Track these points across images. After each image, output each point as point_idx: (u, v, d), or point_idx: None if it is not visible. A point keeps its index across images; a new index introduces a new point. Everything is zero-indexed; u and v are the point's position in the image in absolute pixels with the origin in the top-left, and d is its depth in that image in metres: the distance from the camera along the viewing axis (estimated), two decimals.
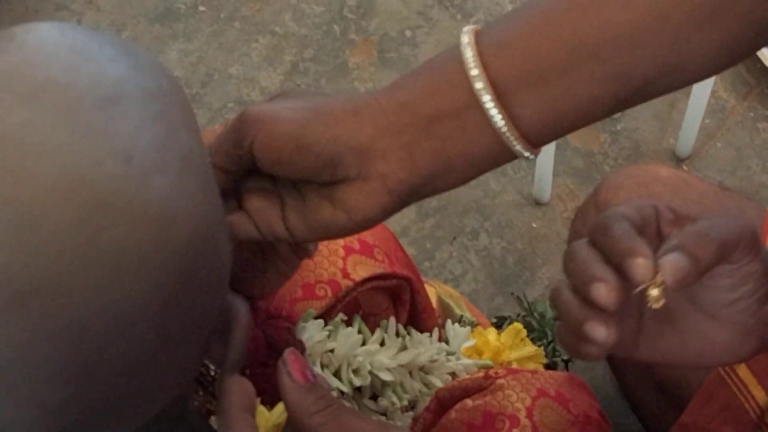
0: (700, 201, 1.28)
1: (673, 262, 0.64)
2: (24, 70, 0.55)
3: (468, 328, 1.23)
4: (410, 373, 1.12)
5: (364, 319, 1.15)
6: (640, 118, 1.94)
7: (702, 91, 1.74)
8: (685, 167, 1.85)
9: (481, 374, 1.12)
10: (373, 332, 1.13)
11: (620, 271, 0.64)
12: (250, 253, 0.95)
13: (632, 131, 1.93)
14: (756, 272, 0.70)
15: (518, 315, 1.55)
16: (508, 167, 1.87)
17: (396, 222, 1.78)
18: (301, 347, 1.00)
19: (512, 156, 0.72)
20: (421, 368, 1.12)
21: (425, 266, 1.79)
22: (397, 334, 1.15)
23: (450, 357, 1.17)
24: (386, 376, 1.07)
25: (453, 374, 1.15)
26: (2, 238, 0.51)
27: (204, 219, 0.58)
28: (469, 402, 1.03)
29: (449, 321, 1.28)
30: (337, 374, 1.07)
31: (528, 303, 1.63)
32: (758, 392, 1.15)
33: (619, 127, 1.93)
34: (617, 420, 1.25)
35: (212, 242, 0.60)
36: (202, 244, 0.58)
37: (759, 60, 1.94)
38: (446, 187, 0.74)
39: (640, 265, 0.63)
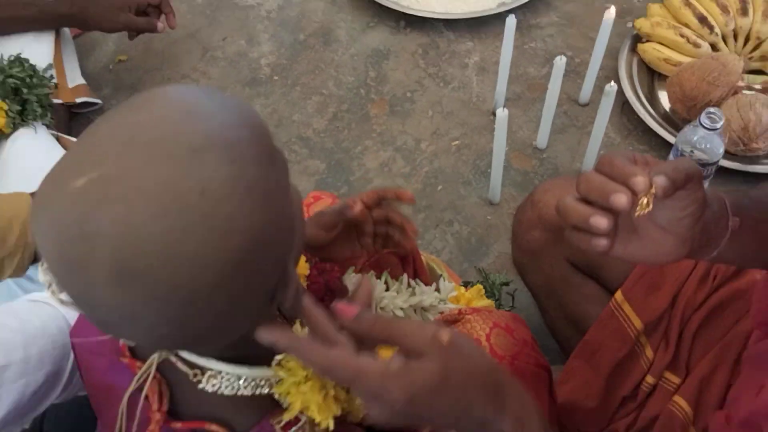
0: None
1: (660, 180, 0.64)
2: (145, 126, 0.56)
3: (453, 284, 1.23)
4: (415, 311, 1.12)
5: (383, 271, 1.17)
6: (558, 149, 1.91)
7: (598, 132, 1.72)
8: None
9: (456, 312, 1.11)
10: (388, 282, 1.14)
11: (626, 186, 0.64)
12: (343, 240, 1.00)
13: (553, 158, 1.89)
14: (699, 198, 0.69)
15: (478, 280, 1.55)
16: (471, 180, 1.86)
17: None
18: (346, 290, 0.99)
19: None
20: (423, 308, 1.12)
21: (418, 244, 1.71)
22: (408, 285, 1.16)
23: (441, 302, 1.17)
24: (400, 313, 1.08)
25: (441, 313, 1.15)
26: (124, 233, 0.53)
27: (259, 230, 0.57)
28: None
29: (442, 278, 1.28)
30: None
31: (484, 272, 1.66)
32: (636, 321, 1.17)
33: (545, 156, 1.90)
34: (543, 342, 1.25)
35: (266, 244, 0.59)
36: (256, 246, 0.57)
37: (635, 112, 1.91)
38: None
39: (640, 182, 0.63)
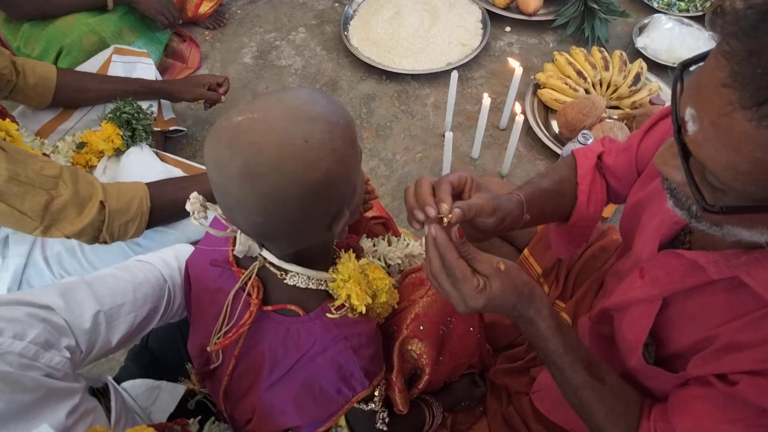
0: (508, 186, 1.24)
1: (456, 212, 0.66)
2: (286, 100, 0.60)
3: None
4: (405, 257, 1.10)
5: (375, 236, 1.13)
6: (486, 159, 1.91)
7: (512, 147, 1.73)
8: (505, 179, 1.83)
9: (418, 265, 1.09)
10: (390, 241, 1.12)
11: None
12: None
13: (483, 164, 1.90)
14: (492, 223, 0.73)
15: None
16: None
17: (381, 203, 1.75)
18: (361, 249, 1.00)
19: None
20: (412, 256, 1.11)
21: (394, 221, 1.73)
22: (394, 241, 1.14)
23: (420, 254, 1.13)
24: (398, 261, 1.07)
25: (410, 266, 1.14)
26: (247, 157, 0.57)
27: (332, 176, 0.60)
28: (413, 275, 1.02)
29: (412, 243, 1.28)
30: (379, 259, 1.07)
31: None
32: (537, 268, 1.16)
33: (477, 163, 1.90)
34: None
35: (333, 187, 0.61)
36: (327, 185, 0.60)
37: (536, 134, 1.90)
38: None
39: (442, 206, 0.66)
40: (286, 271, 0.73)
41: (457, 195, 0.74)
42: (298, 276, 0.73)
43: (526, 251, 1.19)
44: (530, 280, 0.70)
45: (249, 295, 0.73)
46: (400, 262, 1.08)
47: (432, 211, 0.65)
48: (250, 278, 0.73)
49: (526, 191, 0.85)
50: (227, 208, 0.63)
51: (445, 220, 0.65)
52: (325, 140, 0.59)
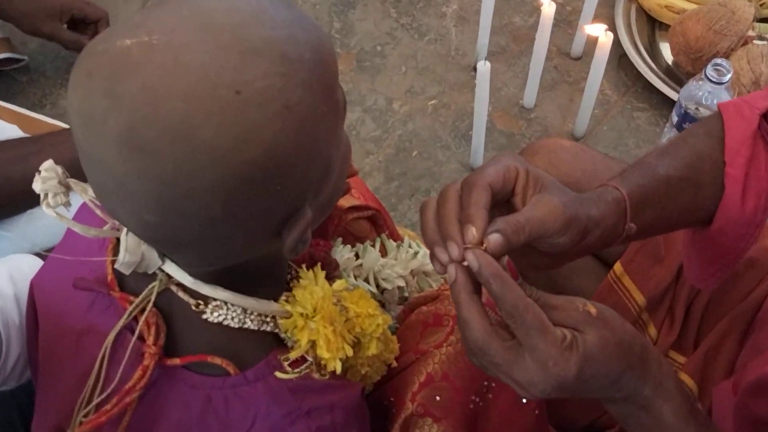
0: (592, 162, 1.29)
1: (493, 240, 0.68)
2: (211, 11, 0.61)
3: None
4: (413, 277, 1.14)
5: (357, 241, 1.16)
6: (547, 109, 1.95)
7: (592, 88, 1.75)
8: (582, 142, 1.86)
9: (434, 290, 1.12)
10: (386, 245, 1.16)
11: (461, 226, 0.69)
12: None
13: (542, 118, 1.94)
14: (565, 242, 0.74)
15: None
16: (450, 144, 1.90)
17: (369, 184, 1.78)
18: (335, 263, 1.00)
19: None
20: (425, 273, 1.14)
21: (392, 215, 1.72)
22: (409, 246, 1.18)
23: None
24: (400, 282, 1.09)
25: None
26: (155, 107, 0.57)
27: (283, 154, 0.61)
28: (424, 308, 1.03)
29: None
30: (366, 280, 1.09)
31: None
32: (638, 296, 1.18)
33: (532, 116, 1.94)
34: None
35: (286, 172, 0.63)
36: (275, 168, 0.61)
37: (633, 66, 1.95)
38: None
39: (470, 232, 0.68)
40: (206, 300, 0.74)
41: (503, 202, 0.75)
42: (226, 308, 0.74)
43: (618, 267, 1.20)
44: (637, 332, 0.73)
45: (141, 339, 0.74)
46: (402, 284, 1.09)
47: (455, 251, 0.69)
48: (143, 311, 0.73)
49: (631, 182, 0.85)
50: (103, 193, 0.64)
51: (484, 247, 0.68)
52: (272, 91, 0.60)
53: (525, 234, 0.70)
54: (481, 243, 0.68)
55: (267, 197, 0.63)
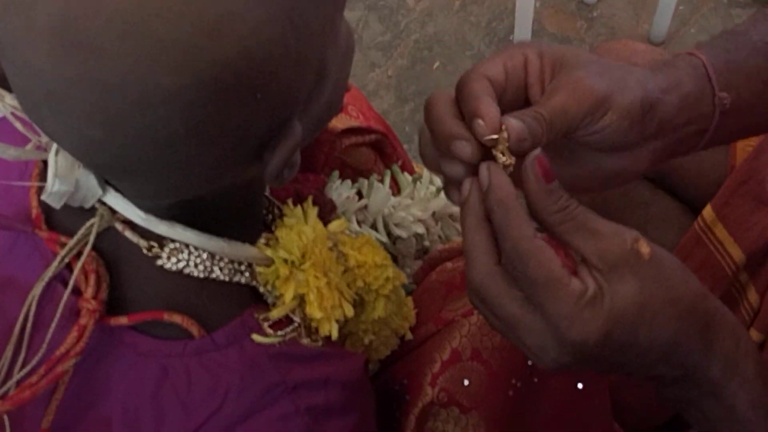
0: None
1: (515, 125, 0.69)
2: None
3: None
4: (436, 222, 1.15)
5: (359, 175, 1.18)
6: (616, 4, 1.96)
7: None
8: (663, 48, 1.81)
9: (461, 241, 1.09)
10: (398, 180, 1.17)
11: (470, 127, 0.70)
12: None
13: (608, 17, 1.95)
14: (614, 127, 0.75)
15: None
16: (484, 52, 1.90)
17: (376, 107, 1.74)
18: (332, 205, 1.02)
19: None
20: (451, 217, 1.16)
21: (404, 149, 1.73)
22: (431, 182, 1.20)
23: None
24: (419, 229, 1.10)
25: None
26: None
27: (264, 47, 0.62)
28: (449, 264, 1.05)
29: None
30: (374, 227, 1.10)
31: None
32: (735, 250, 1.18)
33: (595, 14, 1.95)
34: None
35: (270, 71, 0.63)
36: (255, 66, 0.62)
37: None
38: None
39: (480, 126, 0.68)
40: (162, 242, 0.76)
41: (514, 103, 0.76)
42: (188, 252, 0.76)
43: (708, 212, 1.22)
44: (707, 293, 0.73)
45: (77, 293, 0.75)
46: (420, 231, 1.11)
47: (481, 127, 0.69)
48: (79, 256, 0.74)
49: (714, 47, 0.84)
50: (29, 102, 0.65)
51: (499, 156, 0.69)
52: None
53: (545, 124, 0.71)
54: (490, 132, 0.69)
55: (243, 109, 0.64)
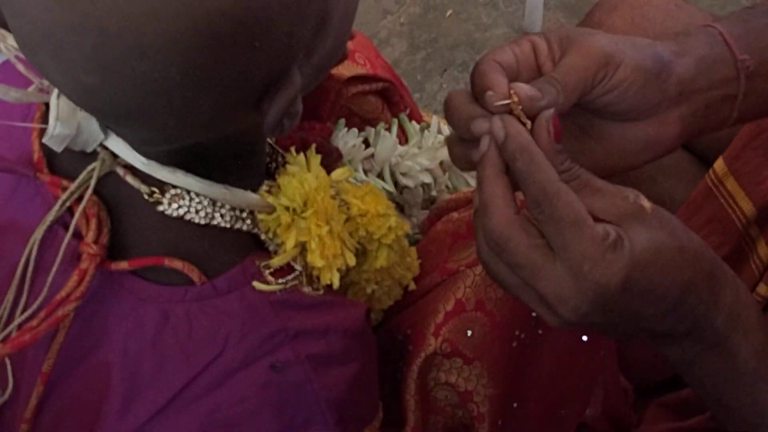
0: (689, 23, 1.27)
1: (524, 88, 0.71)
2: None
3: None
4: (444, 172, 1.15)
5: (366, 123, 1.18)
6: None
7: None
8: None
9: (471, 190, 1.13)
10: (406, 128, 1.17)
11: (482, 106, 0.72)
12: None
13: None
14: (636, 78, 0.76)
15: None
16: (498, 0, 1.92)
17: (387, 55, 1.79)
18: (338, 153, 1.02)
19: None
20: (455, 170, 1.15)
21: (415, 98, 1.76)
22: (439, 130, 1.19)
23: None
24: (426, 179, 1.11)
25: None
26: None
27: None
28: (455, 214, 1.04)
29: None
30: (380, 177, 1.11)
31: None
32: (746, 204, 1.18)
33: None
34: None
35: (262, 10, 0.62)
36: (247, 10, 0.61)
37: None
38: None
39: (490, 96, 0.70)
40: (163, 187, 0.76)
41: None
42: (189, 198, 0.76)
43: (720, 165, 1.22)
44: (708, 246, 0.74)
45: (78, 237, 0.75)
46: (428, 180, 1.11)
47: (490, 97, 0.71)
48: (80, 200, 0.75)
49: (734, 20, 0.85)
50: (28, 45, 0.65)
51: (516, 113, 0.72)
52: None
53: (558, 84, 0.73)
54: (501, 97, 0.71)
55: (241, 57, 0.64)
